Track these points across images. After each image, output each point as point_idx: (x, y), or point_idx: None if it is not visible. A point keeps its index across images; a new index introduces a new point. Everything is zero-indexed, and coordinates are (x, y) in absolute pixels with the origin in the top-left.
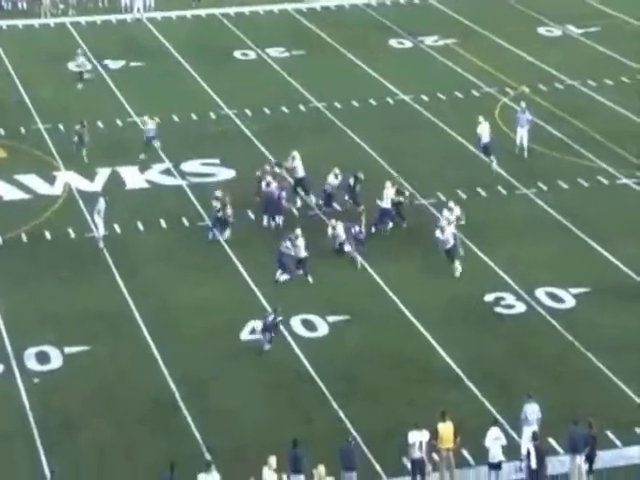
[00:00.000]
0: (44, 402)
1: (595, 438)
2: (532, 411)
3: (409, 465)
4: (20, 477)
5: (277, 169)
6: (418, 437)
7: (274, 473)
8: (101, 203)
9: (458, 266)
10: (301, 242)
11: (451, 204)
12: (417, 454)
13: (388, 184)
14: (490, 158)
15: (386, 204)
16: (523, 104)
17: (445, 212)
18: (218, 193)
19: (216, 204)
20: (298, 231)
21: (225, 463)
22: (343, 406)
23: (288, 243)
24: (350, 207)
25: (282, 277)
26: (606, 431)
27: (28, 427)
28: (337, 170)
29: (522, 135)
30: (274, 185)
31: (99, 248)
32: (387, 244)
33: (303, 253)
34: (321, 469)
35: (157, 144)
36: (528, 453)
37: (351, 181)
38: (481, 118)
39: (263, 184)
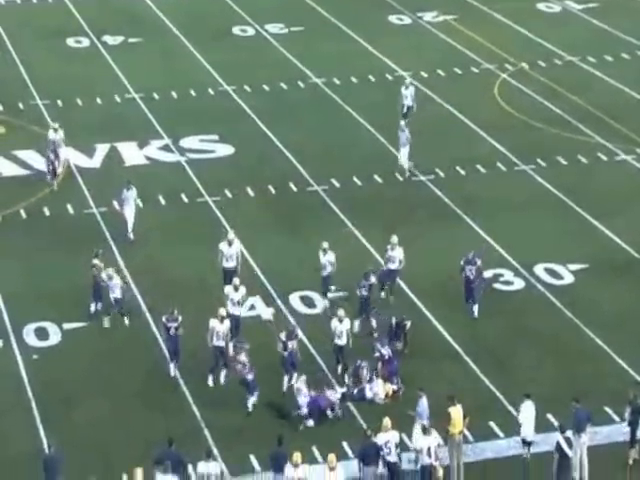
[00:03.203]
0: (43, 378)
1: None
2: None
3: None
4: (18, 451)
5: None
6: (426, 442)
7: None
8: (123, 193)
9: None
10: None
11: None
12: (426, 460)
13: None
14: (406, 121)
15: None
16: (402, 122)
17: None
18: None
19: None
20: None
21: (223, 441)
22: (340, 382)
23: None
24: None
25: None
26: (604, 407)
27: (27, 402)
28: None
29: (402, 154)
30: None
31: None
32: (385, 220)
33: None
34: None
35: None
36: (559, 445)
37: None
38: (408, 80)
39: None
